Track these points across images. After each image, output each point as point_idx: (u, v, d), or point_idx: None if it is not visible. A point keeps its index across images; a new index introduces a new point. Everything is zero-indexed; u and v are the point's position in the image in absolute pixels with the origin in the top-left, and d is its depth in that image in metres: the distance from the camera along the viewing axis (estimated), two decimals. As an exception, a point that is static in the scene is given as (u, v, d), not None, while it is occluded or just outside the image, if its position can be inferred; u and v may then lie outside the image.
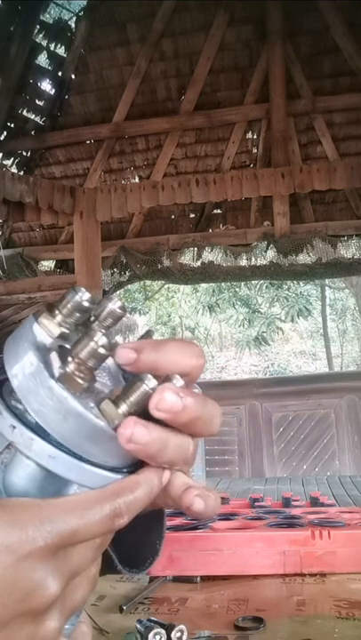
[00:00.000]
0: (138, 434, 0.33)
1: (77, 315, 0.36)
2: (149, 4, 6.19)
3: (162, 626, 0.80)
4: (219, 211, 6.75)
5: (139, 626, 0.82)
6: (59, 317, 0.35)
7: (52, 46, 6.62)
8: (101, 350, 0.33)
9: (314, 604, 0.98)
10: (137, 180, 6.72)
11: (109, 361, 0.38)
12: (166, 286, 14.46)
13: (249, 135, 6.56)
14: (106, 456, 0.35)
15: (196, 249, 6.35)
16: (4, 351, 0.35)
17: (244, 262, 6.25)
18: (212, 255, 6.31)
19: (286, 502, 1.54)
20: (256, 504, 1.55)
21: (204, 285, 14.20)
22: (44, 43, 6.53)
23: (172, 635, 0.79)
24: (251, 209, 6.54)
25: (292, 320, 15.32)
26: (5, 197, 4.86)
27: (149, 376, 0.35)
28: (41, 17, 6.43)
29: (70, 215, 5.38)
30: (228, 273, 6.43)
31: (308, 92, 6.19)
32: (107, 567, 0.46)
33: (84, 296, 0.36)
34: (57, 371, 0.33)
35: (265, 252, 6.15)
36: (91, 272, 5.37)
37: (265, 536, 1.12)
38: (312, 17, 6.02)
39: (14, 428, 0.34)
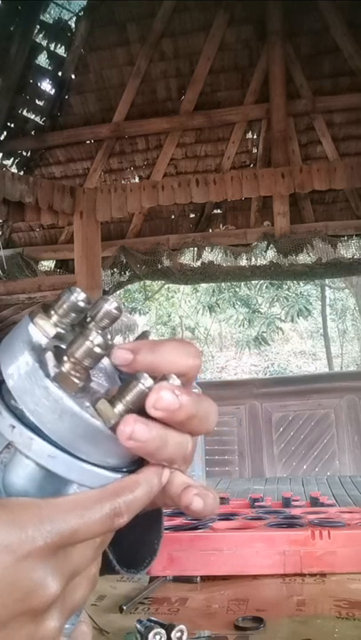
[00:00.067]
0: (138, 431, 0.33)
1: (73, 315, 0.36)
2: (149, 4, 6.19)
3: (162, 626, 0.80)
4: (219, 211, 6.75)
5: (139, 626, 0.82)
6: (54, 318, 0.35)
7: (52, 46, 6.62)
8: (97, 349, 0.33)
9: (314, 604, 0.98)
10: (137, 180, 6.72)
11: (106, 362, 0.38)
12: (166, 286, 14.46)
13: (249, 135, 6.56)
14: (103, 455, 0.35)
15: (196, 249, 6.35)
16: (0, 352, 0.35)
17: (244, 262, 6.25)
18: (212, 255, 6.31)
19: (286, 502, 1.54)
20: (256, 504, 1.55)
21: (204, 285, 14.19)
22: (44, 43, 6.53)
23: (172, 635, 0.79)
24: (251, 209, 6.53)
25: (292, 320, 15.31)
26: (5, 197, 4.86)
27: (146, 375, 0.35)
28: (41, 17, 6.43)
29: (70, 215, 5.38)
30: (228, 273, 6.43)
31: (308, 92, 6.18)
32: (105, 568, 0.46)
33: (79, 296, 0.36)
34: (52, 370, 0.33)
35: (265, 252, 6.15)
36: (91, 272, 5.37)
37: (265, 536, 1.12)
38: (312, 17, 6.01)
39: (14, 427, 0.34)
